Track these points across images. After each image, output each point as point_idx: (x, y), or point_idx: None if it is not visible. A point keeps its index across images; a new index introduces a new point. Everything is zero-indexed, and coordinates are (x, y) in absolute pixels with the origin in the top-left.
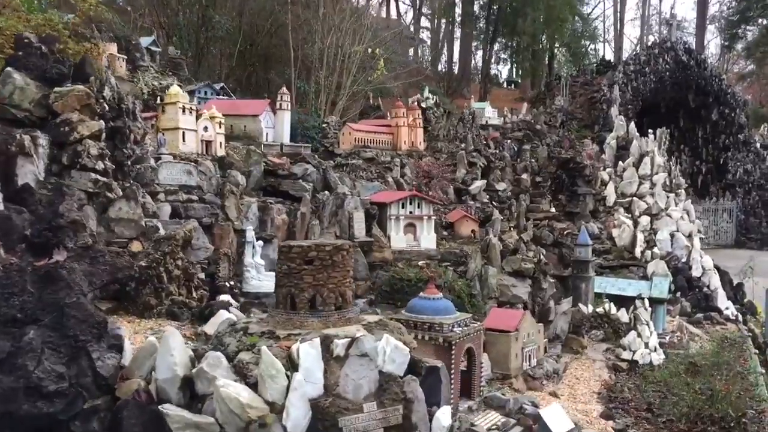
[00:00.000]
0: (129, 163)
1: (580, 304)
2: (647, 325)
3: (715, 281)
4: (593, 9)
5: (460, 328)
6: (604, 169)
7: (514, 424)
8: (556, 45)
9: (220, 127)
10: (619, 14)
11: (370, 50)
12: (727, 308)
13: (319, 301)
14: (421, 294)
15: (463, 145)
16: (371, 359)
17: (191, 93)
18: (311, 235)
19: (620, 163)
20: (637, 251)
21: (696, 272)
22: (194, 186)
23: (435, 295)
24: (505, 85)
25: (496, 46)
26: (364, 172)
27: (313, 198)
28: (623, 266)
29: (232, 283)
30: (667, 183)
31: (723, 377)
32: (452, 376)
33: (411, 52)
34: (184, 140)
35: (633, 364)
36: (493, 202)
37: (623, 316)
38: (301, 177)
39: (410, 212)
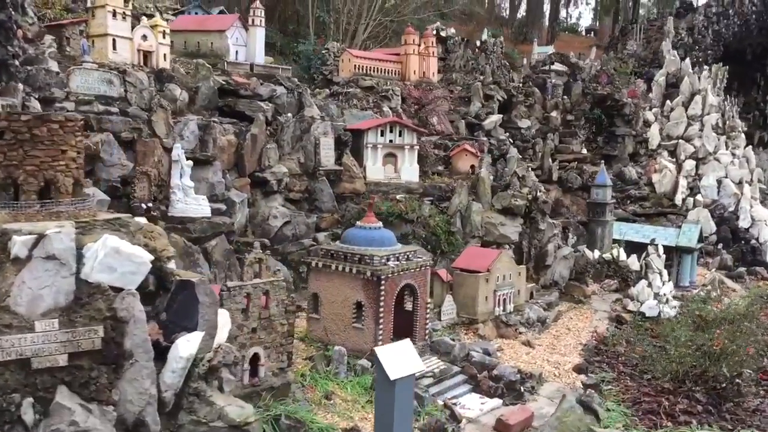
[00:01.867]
0: (17, 62)
1: (585, 249)
2: (659, 274)
3: (765, 233)
4: None
5: (396, 262)
6: (650, 109)
7: (455, 372)
8: None
9: (164, 37)
10: None
11: None
12: None
13: (15, 187)
14: (358, 223)
15: (482, 77)
16: (63, 264)
17: (180, 14)
18: (266, 160)
19: (668, 102)
20: (678, 198)
21: (744, 223)
22: (116, 97)
23: (372, 225)
24: (584, 32)
25: None
26: (361, 101)
27: (276, 121)
28: (661, 214)
29: (150, 204)
30: (720, 125)
31: (727, 333)
32: (381, 314)
33: None
34: (114, 48)
35: (639, 317)
36: (515, 140)
37: (633, 263)
38: (268, 98)
39: (390, 141)
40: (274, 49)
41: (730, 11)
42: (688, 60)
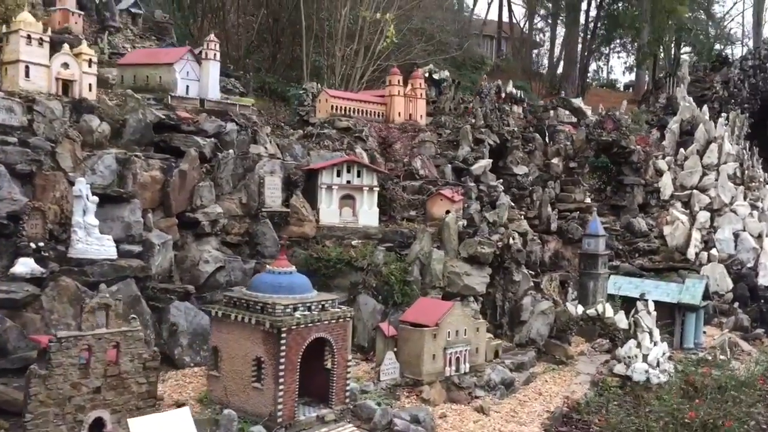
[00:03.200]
0: None
1: (568, 304)
2: (649, 333)
3: None
4: (730, 9)
5: (306, 312)
6: (663, 158)
7: None
8: (683, 47)
9: (90, 66)
10: (757, 15)
11: (379, 15)
12: None
13: None
14: (267, 267)
15: (473, 120)
16: None
17: None
18: (197, 199)
19: (681, 150)
20: (691, 252)
21: (764, 280)
22: (16, 126)
23: (282, 269)
24: (622, 88)
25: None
26: (335, 142)
27: (216, 157)
28: (672, 269)
29: (41, 244)
30: (738, 174)
31: (713, 403)
32: (282, 373)
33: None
34: (27, 75)
35: (627, 381)
36: (511, 188)
37: (621, 320)
38: (214, 135)
39: (347, 181)
40: (272, 93)
41: (767, 64)
42: (705, 107)
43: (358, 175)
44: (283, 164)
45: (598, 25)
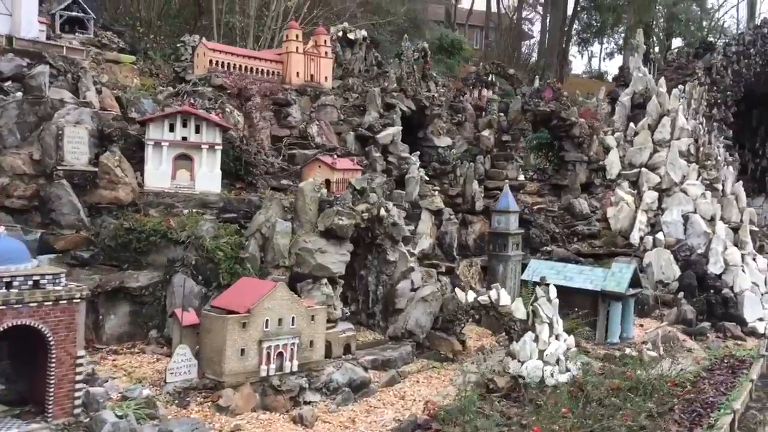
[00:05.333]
0: None
1: (457, 290)
2: (549, 324)
3: (742, 282)
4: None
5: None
6: (613, 133)
7: None
8: (676, 33)
9: None
10: (751, 8)
11: None
12: (761, 319)
13: None
14: None
15: (385, 83)
16: None
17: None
18: None
19: (631, 125)
20: (635, 236)
21: (715, 268)
22: None
23: None
24: (609, 79)
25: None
26: (210, 102)
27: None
28: (612, 254)
29: None
30: (692, 152)
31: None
32: None
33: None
34: None
35: (519, 381)
36: (432, 161)
37: (518, 309)
38: (12, 77)
39: (183, 138)
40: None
41: (752, 50)
42: (663, 80)
43: (197, 131)
44: (96, 114)
45: (578, 9)
